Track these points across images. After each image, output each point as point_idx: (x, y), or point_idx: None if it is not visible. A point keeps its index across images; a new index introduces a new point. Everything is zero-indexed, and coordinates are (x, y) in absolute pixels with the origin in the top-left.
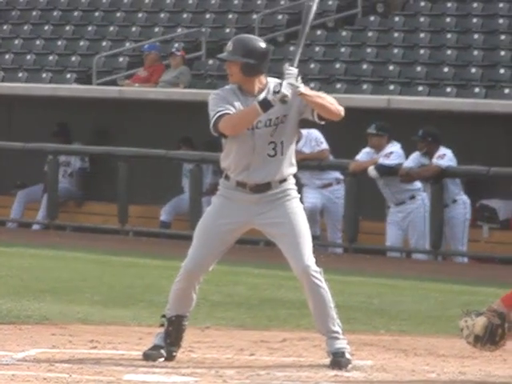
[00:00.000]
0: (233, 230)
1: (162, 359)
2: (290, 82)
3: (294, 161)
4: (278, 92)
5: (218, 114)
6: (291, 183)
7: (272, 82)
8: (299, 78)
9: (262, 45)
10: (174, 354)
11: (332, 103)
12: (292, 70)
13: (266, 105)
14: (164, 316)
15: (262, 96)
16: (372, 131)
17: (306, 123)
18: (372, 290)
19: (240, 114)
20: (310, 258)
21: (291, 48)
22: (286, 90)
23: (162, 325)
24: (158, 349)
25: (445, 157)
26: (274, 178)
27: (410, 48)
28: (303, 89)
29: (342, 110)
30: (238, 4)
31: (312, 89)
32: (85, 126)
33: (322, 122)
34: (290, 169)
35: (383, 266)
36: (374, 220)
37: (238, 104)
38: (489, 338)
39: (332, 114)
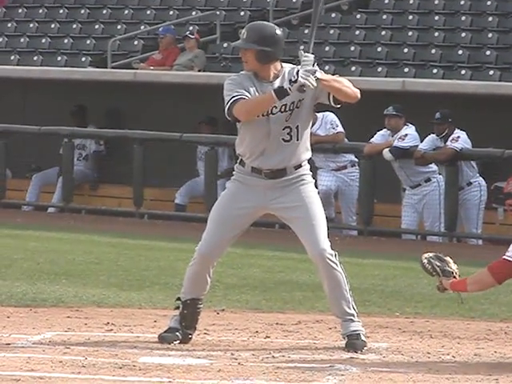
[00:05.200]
0: (247, 215)
1: (178, 342)
2: (306, 70)
3: (309, 145)
4: (296, 81)
5: (233, 99)
6: (306, 169)
7: (287, 67)
8: (316, 65)
9: (277, 31)
10: (190, 336)
11: (348, 86)
12: (308, 57)
13: (281, 93)
14: (179, 299)
15: (277, 82)
16: (391, 112)
17: (321, 106)
18: (387, 272)
19: (255, 100)
20: (325, 242)
21: (306, 31)
22: (303, 79)
23: (177, 308)
24: (173, 331)
25: (459, 139)
26: (289, 163)
27: (425, 30)
28: (320, 74)
29: (358, 93)
30: None
31: (327, 72)
32: (100, 109)
33: (338, 106)
34: (305, 154)
35: (398, 248)
36: (389, 202)
37: (253, 90)
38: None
39: (349, 97)
